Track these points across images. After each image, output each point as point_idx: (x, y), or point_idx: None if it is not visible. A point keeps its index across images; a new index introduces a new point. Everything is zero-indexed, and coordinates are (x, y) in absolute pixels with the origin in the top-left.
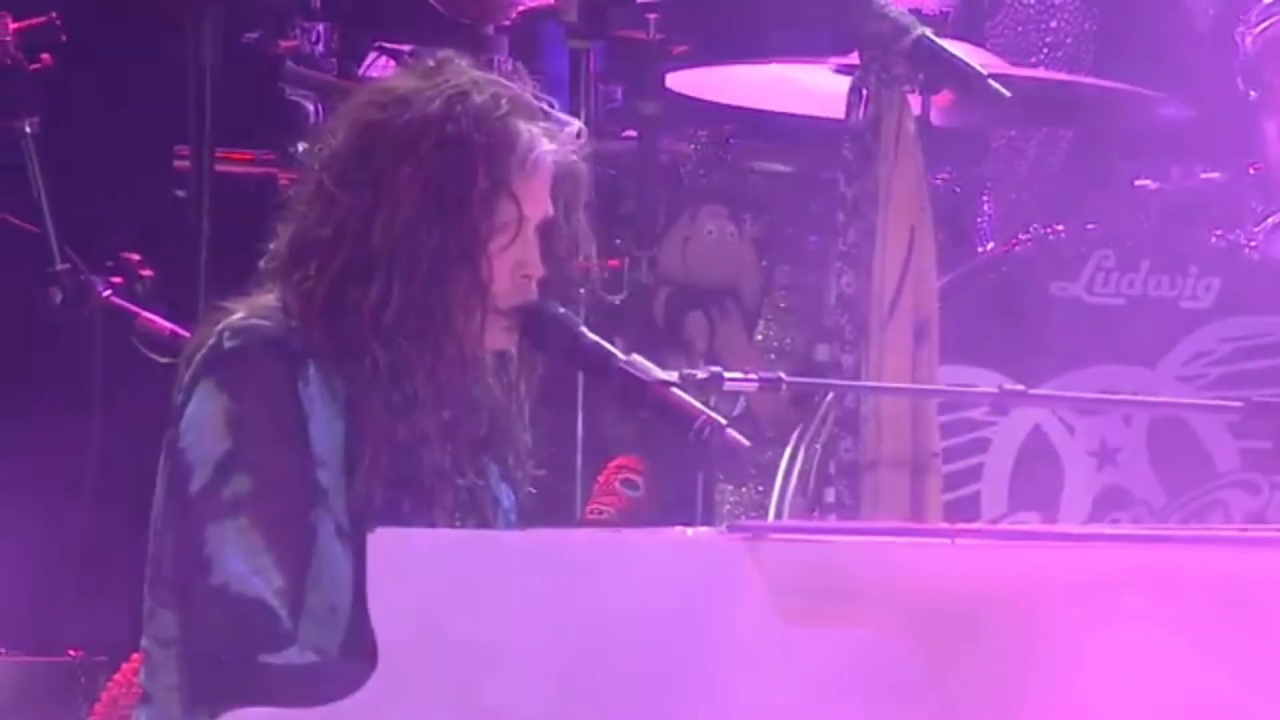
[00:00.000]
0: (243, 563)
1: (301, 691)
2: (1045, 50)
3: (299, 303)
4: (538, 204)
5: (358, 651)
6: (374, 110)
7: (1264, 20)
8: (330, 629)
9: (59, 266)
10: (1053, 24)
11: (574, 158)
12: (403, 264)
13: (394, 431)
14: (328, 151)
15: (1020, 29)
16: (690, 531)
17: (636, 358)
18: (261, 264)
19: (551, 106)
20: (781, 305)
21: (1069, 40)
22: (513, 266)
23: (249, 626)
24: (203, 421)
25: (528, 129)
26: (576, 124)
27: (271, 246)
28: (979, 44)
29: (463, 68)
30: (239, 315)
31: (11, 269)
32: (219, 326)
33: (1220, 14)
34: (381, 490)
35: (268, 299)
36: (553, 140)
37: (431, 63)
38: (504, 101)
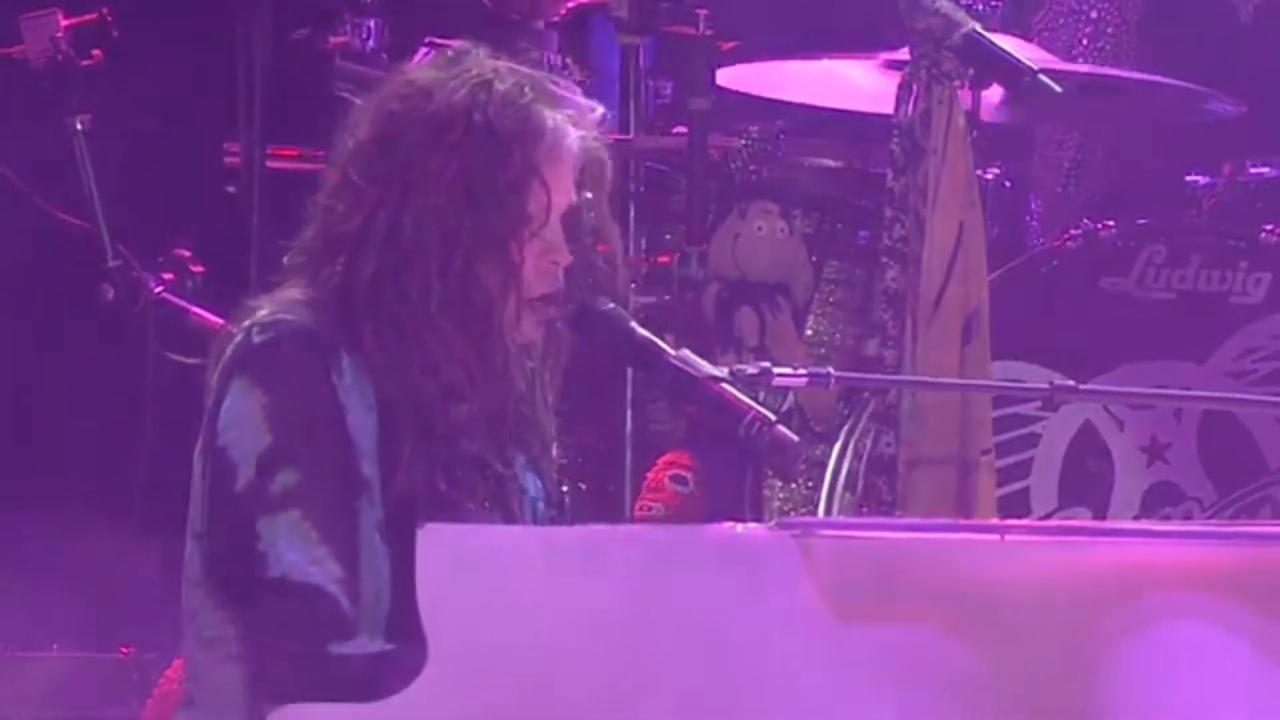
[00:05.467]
0: (299, 554)
1: (366, 681)
2: (1086, 42)
3: (332, 297)
4: (564, 191)
5: (403, 642)
6: (396, 102)
7: None
8: (374, 618)
9: (111, 263)
10: (1093, 14)
11: (597, 143)
12: (437, 254)
13: (432, 423)
14: (351, 145)
15: (1062, 21)
16: (740, 528)
17: (687, 353)
18: (286, 260)
19: (578, 91)
20: (831, 301)
21: (1110, 30)
22: (540, 254)
23: (314, 616)
24: (241, 418)
25: (553, 115)
26: (600, 109)
27: (296, 243)
28: (1028, 39)
29: (482, 58)
30: (265, 311)
31: (64, 265)
32: (246, 323)
33: (1262, 5)
34: (421, 482)
35: (292, 293)
36: (577, 126)
37: (450, 54)
38: (527, 89)
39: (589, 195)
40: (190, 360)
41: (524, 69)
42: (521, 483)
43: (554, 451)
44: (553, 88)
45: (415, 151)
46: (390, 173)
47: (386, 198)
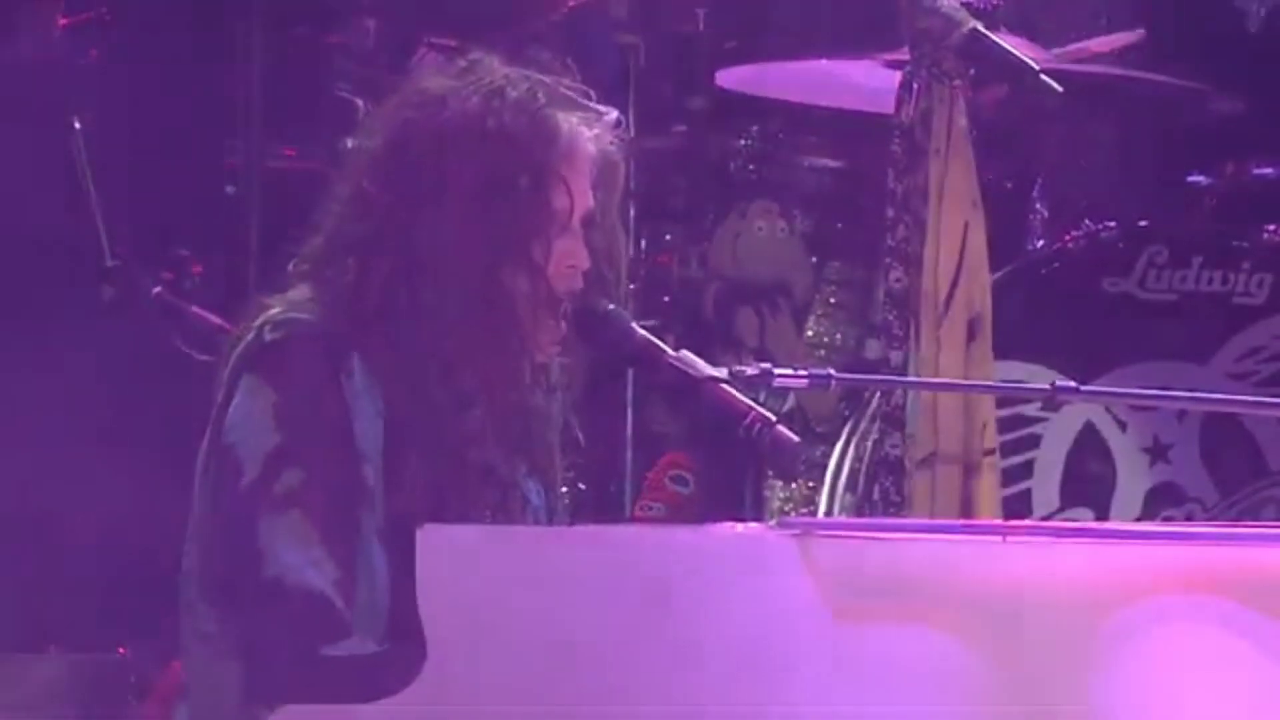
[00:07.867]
0: (297, 555)
1: (362, 682)
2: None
3: (344, 301)
4: (582, 195)
5: (401, 643)
6: (409, 110)
7: None
8: (372, 624)
9: (109, 263)
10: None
11: (612, 147)
12: (454, 260)
13: (442, 432)
14: (363, 154)
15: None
16: (740, 528)
17: (686, 354)
18: (291, 266)
19: (588, 96)
20: (831, 301)
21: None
22: (560, 258)
23: (307, 618)
24: (250, 416)
25: (567, 120)
26: (613, 113)
27: (304, 250)
28: (1030, 38)
29: (493, 65)
30: (276, 310)
31: (62, 266)
32: (257, 321)
33: (1271, 12)
34: (426, 489)
35: (303, 293)
36: (591, 130)
37: (463, 63)
38: (540, 94)
39: (602, 200)
40: (200, 356)
41: (535, 75)
42: (524, 491)
43: (560, 462)
44: (565, 92)
45: (429, 159)
46: (404, 180)
47: (401, 204)
